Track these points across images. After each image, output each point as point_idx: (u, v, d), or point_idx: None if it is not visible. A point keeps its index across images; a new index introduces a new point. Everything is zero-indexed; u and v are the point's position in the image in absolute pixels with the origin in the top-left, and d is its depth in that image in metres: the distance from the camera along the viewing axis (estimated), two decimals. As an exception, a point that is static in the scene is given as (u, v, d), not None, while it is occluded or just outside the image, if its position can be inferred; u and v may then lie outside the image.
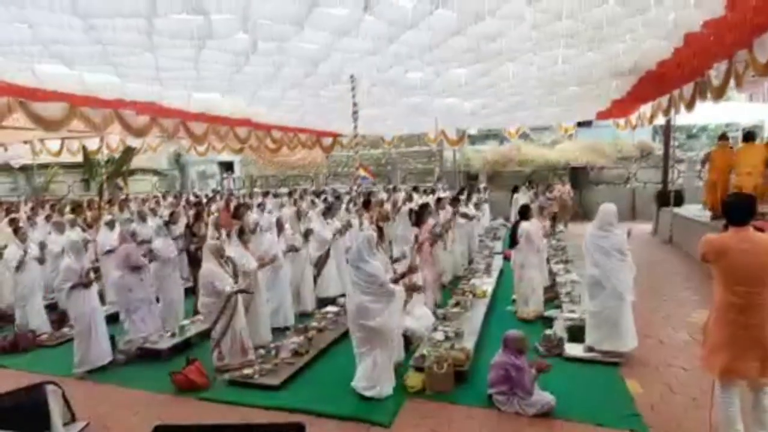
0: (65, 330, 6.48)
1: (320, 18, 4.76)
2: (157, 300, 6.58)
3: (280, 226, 6.93)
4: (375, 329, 4.33)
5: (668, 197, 11.71)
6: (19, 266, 6.51)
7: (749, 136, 8.78)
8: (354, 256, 4.48)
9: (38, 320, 6.63)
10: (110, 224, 7.97)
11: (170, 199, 14.91)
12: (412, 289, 5.20)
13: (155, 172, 19.26)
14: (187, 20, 4.70)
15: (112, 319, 6.25)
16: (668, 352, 5.22)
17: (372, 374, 4.40)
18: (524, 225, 6.51)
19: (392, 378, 4.53)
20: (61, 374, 5.13)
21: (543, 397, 4.03)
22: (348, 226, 8.15)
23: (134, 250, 6.07)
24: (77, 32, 4.74)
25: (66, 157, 14.57)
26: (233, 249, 5.74)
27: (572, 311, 6.00)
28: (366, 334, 4.39)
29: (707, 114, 13.93)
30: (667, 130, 13.10)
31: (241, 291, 5.24)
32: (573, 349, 5.14)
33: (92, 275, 5.59)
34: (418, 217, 6.79)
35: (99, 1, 4.12)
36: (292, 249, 6.94)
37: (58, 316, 6.95)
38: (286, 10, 4.58)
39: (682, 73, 7.45)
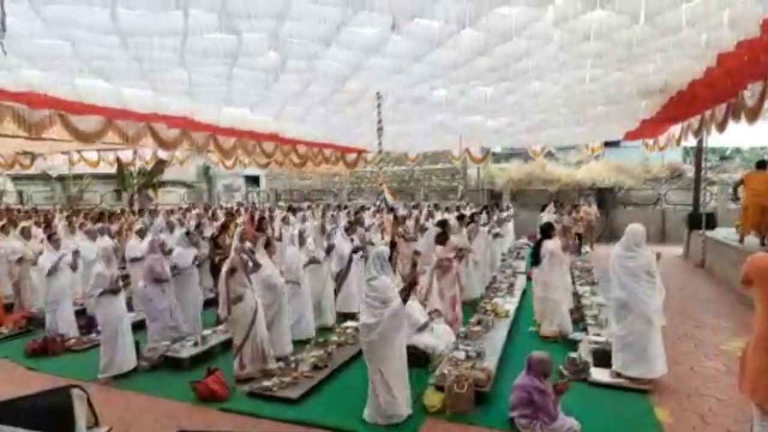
0: (92, 335, 6.64)
1: (348, 37, 4.88)
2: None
3: (302, 239, 7.01)
4: (374, 349, 4.18)
5: (700, 220, 11.36)
6: (52, 271, 6.71)
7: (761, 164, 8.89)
8: (366, 273, 4.46)
9: (67, 325, 6.80)
10: (140, 233, 8.18)
11: (195, 210, 15.24)
12: (411, 284, 4.92)
13: (184, 185, 19.78)
14: (220, 39, 4.89)
15: (139, 326, 6.39)
16: (700, 380, 5.00)
17: (374, 401, 4.23)
18: (547, 244, 6.40)
19: (396, 414, 4.24)
20: (87, 378, 5.23)
21: (567, 422, 3.90)
22: (367, 243, 8.16)
23: (158, 262, 6.16)
24: (116, 49, 4.97)
25: (99, 168, 15.15)
26: (259, 260, 5.84)
27: (598, 334, 5.83)
28: (366, 351, 4.27)
29: (741, 136, 13.56)
30: (698, 152, 12.78)
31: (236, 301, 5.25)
32: (599, 374, 4.98)
33: (121, 282, 5.74)
34: (439, 234, 6.77)
35: (137, 21, 4.32)
36: (313, 261, 6.99)
37: (86, 321, 7.13)
38: (315, 30, 4.71)
39: (714, 93, 7.29)
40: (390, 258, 4.59)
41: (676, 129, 11.55)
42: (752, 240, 8.89)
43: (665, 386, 4.79)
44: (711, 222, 11.41)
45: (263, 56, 5.38)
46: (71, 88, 6.36)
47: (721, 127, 8.28)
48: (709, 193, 14.02)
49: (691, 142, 11.97)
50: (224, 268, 5.29)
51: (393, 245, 6.23)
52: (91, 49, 5.02)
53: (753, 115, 6.87)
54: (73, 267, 7.04)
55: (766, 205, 8.31)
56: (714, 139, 11.07)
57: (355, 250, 7.77)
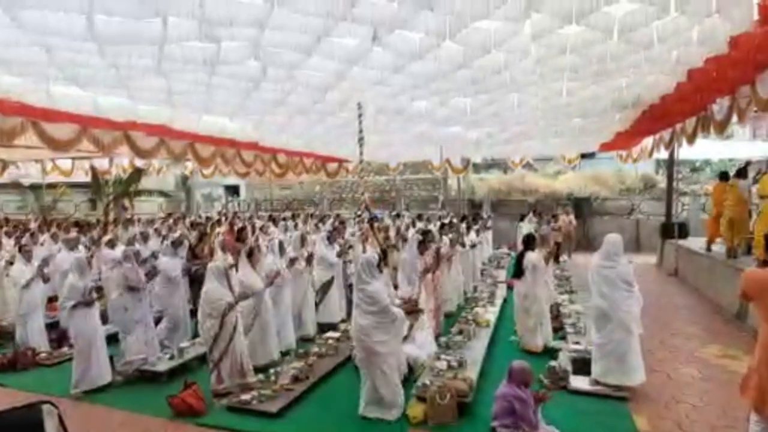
0: (65, 349, 6.43)
1: (329, 47, 4.89)
2: (159, 321, 6.55)
3: (282, 248, 6.93)
4: (375, 351, 4.37)
5: (673, 229, 11.68)
6: (26, 285, 6.50)
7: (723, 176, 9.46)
8: (356, 278, 4.62)
9: (38, 338, 6.58)
10: (111, 243, 7.99)
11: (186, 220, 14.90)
12: (412, 312, 5.20)
13: (162, 194, 19.42)
14: (200, 47, 4.85)
15: (113, 339, 6.21)
16: (677, 387, 5.10)
17: (374, 396, 4.44)
18: (530, 255, 6.43)
19: (398, 404, 4.50)
20: (59, 394, 5.06)
21: (548, 430, 3.92)
22: (348, 247, 8.16)
23: (133, 271, 5.95)
24: (93, 56, 4.88)
25: (74, 177, 14.77)
26: (242, 270, 5.79)
27: (577, 342, 5.91)
28: (367, 355, 4.42)
29: (710, 149, 14.08)
30: (670, 163, 13.18)
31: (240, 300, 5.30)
32: (578, 382, 5.04)
33: (95, 294, 5.58)
34: (422, 243, 6.79)
35: (116, 28, 4.26)
36: (293, 263, 6.91)
37: (58, 334, 6.90)
38: (296, 39, 4.71)
39: (685, 107, 7.55)
40: (379, 264, 4.67)
41: (648, 141, 11.91)
42: (719, 249, 9.22)
43: (643, 393, 4.87)
44: (683, 231, 11.73)
45: (243, 65, 5.36)
46: (46, 95, 6.21)
47: (691, 139, 8.57)
48: (680, 204, 14.45)
49: (663, 154, 12.36)
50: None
51: (384, 254, 6.22)
52: (68, 56, 4.92)
53: (721, 128, 7.13)
54: (45, 279, 6.82)
55: (734, 216, 8.56)
56: (685, 152, 11.47)
57: (339, 255, 7.76)
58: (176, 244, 7.39)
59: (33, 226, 12.40)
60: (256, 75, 5.76)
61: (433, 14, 4.20)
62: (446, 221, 11.31)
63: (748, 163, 10.58)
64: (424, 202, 20.09)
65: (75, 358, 5.32)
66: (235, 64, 5.34)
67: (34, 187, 18.41)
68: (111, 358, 5.63)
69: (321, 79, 5.96)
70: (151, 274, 6.35)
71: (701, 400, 4.74)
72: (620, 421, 4.37)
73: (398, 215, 15.49)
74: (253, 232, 10.47)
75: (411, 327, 5.73)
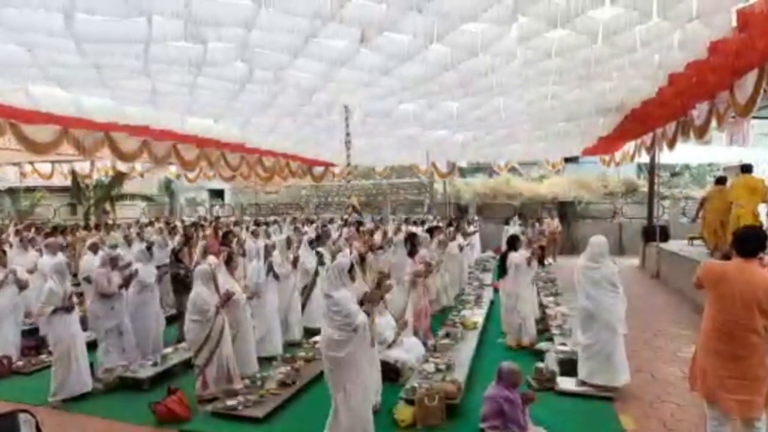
0: (42, 357, 6.25)
1: (317, 48, 4.87)
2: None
3: (267, 252, 6.84)
4: (339, 364, 3.91)
5: (654, 232, 11.89)
6: (-2, 290, 6.30)
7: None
8: (325, 285, 4.21)
9: (13, 346, 6.38)
10: (93, 248, 7.81)
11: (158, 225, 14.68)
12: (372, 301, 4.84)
13: (144, 198, 19.09)
14: (185, 48, 4.78)
15: (93, 346, 6.04)
16: (661, 387, 5.17)
17: (335, 423, 3.96)
18: (513, 256, 6.53)
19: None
20: (36, 403, 4.89)
21: (536, 431, 3.93)
22: (337, 251, 8.09)
23: (104, 276, 5.75)
24: (74, 55, 4.78)
25: (53, 181, 14.44)
26: (221, 277, 5.64)
27: (563, 344, 5.95)
28: (331, 367, 3.97)
29: (689, 154, 14.38)
30: (652, 168, 13.43)
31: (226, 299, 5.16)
32: (565, 383, 5.07)
33: (75, 300, 5.43)
34: (411, 247, 6.80)
35: (98, 26, 4.18)
36: (273, 273, 6.69)
37: (35, 342, 6.71)
38: (283, 40, 4.68)
39: (666, 112, 7.70)
40: (352, 270, 4.22)
41: (630, 146, 12.13)
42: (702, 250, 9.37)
43: (628, 393, 4.91)
44: (664, 234, 11.95)
45: (230, 66, 5.30)
46: (24, 96, 6.06)
47: (672, 143, 8.73)
48: (661, 207, 14.73)
49: (644, 158, 12.60)
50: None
51: (362, 259, 6.18)
52: (49, 55, 4.81)
53: (701, 132, 7.29)
54: (21, 285, 6.61)
55: (724, 219, 8.58)
56: (665, 156, 11.71)
57: (321, 263, 7.68)
58: (149, 248, 7.13)
59: (11, 230, 12.07)
60: (242, 76, 5.71)
61: (421, 16, 4.21)
62: (433, 225, 11.34)
63: (725, 169, 10.78)
64: (410, 206, 20.12)
65: (54, 366, 5.16)
66: (221, 66, 5.29)
67: (12, 191, 17.97)
68: (91, 366, 5.48)
69: (308, 81, 5.93)
70: (129, 279, 6.05)
71: (685, 399, 4.79)
72: (607, 421, 4.40)
73: (381, 219, 15.46)
74: (237, 240, 10.33)
75: (398, 334, 5.71)
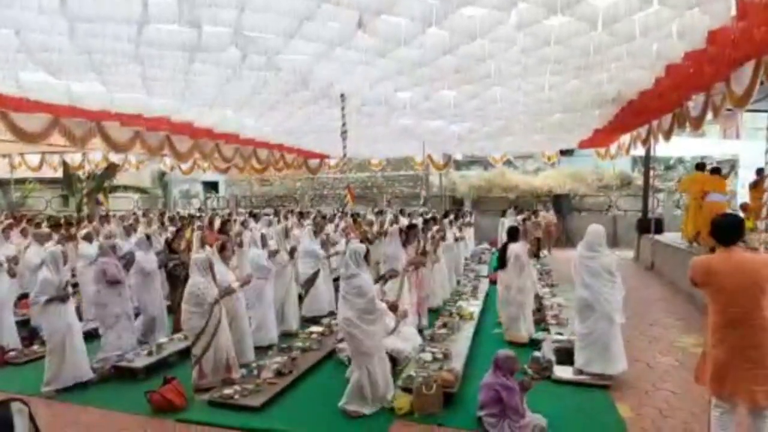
0: (35, 347, 6.18)
1: (313, 31, 4.79)
2: (137, 316, 6.36)
3: (264, 241, 6.80)
4: (362, 342, 4.31)
5: (649, 225, 11.94)
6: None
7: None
8: (344, 268, 4.52)
9: (7, 336, 6.30)
10: (88, 237, 7.72)
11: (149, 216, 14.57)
12: (393, 310, 5.11)
13: (138, 190, 18.89)
14: (179, 32, 4.69)
15: (89, 336, 5.97)
16: (657, 375, 5.19)
17: (358, 391, 4.35)
18: (513, 247, 6.50)
19: (383, 399, 4.44)
20: (29, 393, 4.82)
21: (534, 418, 3.93)
22: (333, 244, 8.07)
23: (111, 265, 5.77)
24: (65, 39, 4.67)
25: (45, 172, 14.25)
26: (216, 266, 5.60)
27: (560, 333, 5.96)
28: (354, 346, 4.37)
29: (683, 147, 14.44)
30: (647, 160, 13.47)
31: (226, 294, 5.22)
32: (562, 372, 5.08)
33: (70, 289, 5.36)
34: (407, 237, 6.78)
35: (91, 5, 4.07)
36: (275, 255, 6.81)
37: (29, 332, 6.64)
38: (278, 23, 4.59)
39: (662, 103, 7.70)
40: (367, 255, 4.61)
41: (625, 138, 12.15)
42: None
43: (625, 382, 4.93)
44: (659, 227, 11.99)
45: (224, 51, 5.20)
46: (14, 83, 5.93)
47: (667, 135, 8.75)
48: (656, 200, 14.79)
49: (639, 151, 12.63)
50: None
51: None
52: (37, 38, 4.69)
53: (696, 124, 7.30)
54: (12, 274, 6.55)
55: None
56: (659, 150, 11.74)
57: (322, 246, 7.71)
58: (148, 237, 7.16)
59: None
60: (237, 62, 5.61)
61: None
62: (428, 217, 11.31)
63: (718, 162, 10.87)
64: (405, 199, 20.08)
65: (47, 356, 5.10)
66: (215, 51, 5.19)
67: (2, 183, 17.74)
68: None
69: (303, 65, 5.83)
70: (129, 263, 6.20)
71: (681, 387, 4.82)
72: (604, 409, 4.42)
73: (380, 212, 15.44)
74: (232, 225, 10.27)
75: (398, 323, 5.70)
